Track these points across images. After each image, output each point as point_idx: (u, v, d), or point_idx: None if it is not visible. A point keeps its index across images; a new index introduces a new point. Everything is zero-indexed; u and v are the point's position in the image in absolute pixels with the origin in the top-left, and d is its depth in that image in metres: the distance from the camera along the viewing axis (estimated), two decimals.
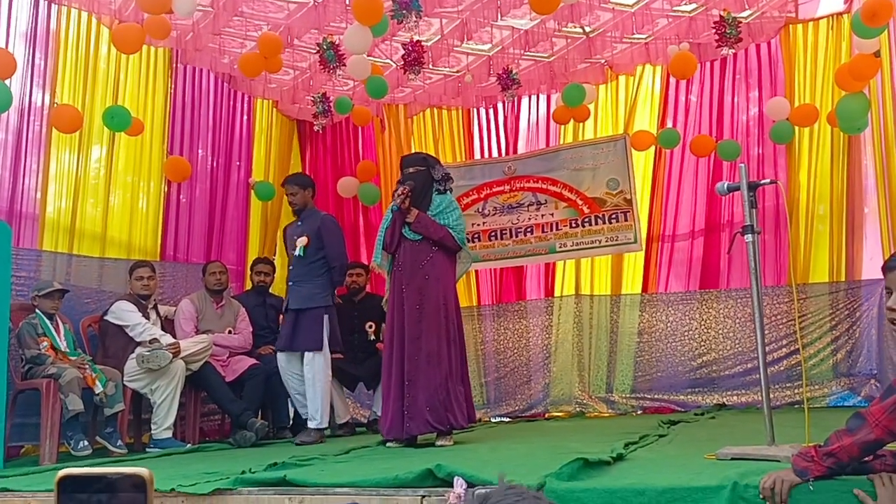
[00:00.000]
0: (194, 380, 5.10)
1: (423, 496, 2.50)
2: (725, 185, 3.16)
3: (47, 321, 4.63)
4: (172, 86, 6.20)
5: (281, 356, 5.03)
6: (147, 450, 4.84)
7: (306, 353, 4.88)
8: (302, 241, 4.94)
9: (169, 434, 4.85)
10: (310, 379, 4.87)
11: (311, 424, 4.88)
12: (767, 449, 2.73)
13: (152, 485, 0.82)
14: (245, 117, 6.95)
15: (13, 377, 4.43)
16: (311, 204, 5.15)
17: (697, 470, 2.50)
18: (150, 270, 5.22)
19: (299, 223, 5.08)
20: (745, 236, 2.98)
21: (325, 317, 4.91)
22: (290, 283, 5.02)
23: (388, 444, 4.18)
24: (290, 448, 4.48)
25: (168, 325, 5.39)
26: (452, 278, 4.39)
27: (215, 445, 4.99)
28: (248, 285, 6.41)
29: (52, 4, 5.20)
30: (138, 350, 4.85)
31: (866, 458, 2.11)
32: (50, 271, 5.08)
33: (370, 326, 6.05)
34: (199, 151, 6.49)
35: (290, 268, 5.07)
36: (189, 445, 4.92)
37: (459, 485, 2.44)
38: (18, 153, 5.04)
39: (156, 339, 4.86)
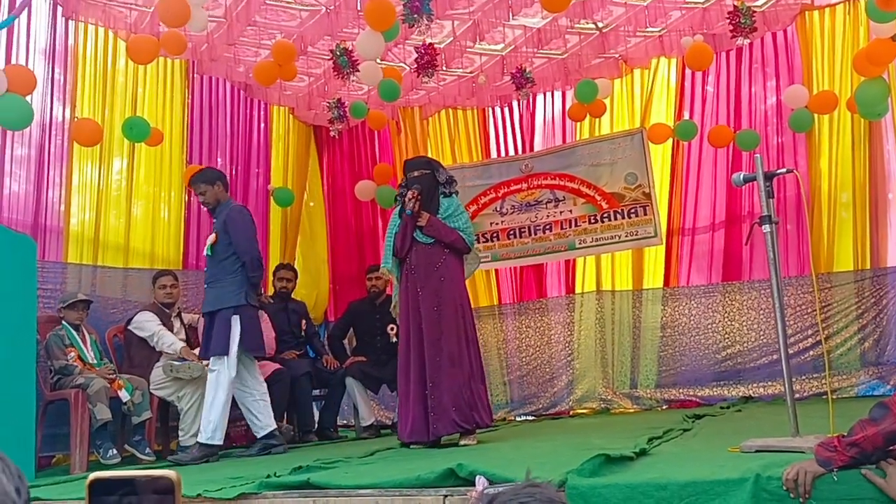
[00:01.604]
0: None
1: (446, 496, 2.51)
2: (742, 176, 3.14)
3: (74, 332, 4.71)
4: (190, 96, 6.27)
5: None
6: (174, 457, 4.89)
7: (213, 360, 4.48)
8: (210, 239, 4.62)
9: (196, 440, 4.89)
10: (211, 385, 4.46)
11: (199, 437, 4.47)
12: (791, 440, 2.71)
13: (180, 487, 0.84)
14: (262, 125, 7.01)
15: (42, 388, 4.51)
16: (224, 198, 4.76)
17: (720, 463, 2.48)
18: (173, 279, 5.28)
19: (215, 220, 4.74)
20: (763, 227, 2.95)
21: (235, 318, 4.50)
22: (206, 286, 4.71)
23: (412, 446, 4.19)
24: (316, 451, 4.51)
25: (192, 332, 5.44)
26: (463, 280, 4.42)
27: (241, 450, 5.02)
28: (270, 291, 6.46)
29: (70, 21, 5.29)
30: (167, 360, 4.90)
31: (890, 447, 2.09)
32: (75, 283, 5.17)
33: (392, 329, 6.07)
34: (218, 160, 6.56)
35: (206, 269, 4.76)
36: None
37: (482, 483, 2.45)
38: (41, 167, 5.13)
39: (169, 354, 4.88)
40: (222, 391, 4.44)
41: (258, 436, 4.65)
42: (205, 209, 5.03)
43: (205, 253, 4.68)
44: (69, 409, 4.43)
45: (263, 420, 4.64)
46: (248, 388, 4.64)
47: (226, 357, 4.45)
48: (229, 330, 4.48)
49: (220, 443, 4.49)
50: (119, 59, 5.64)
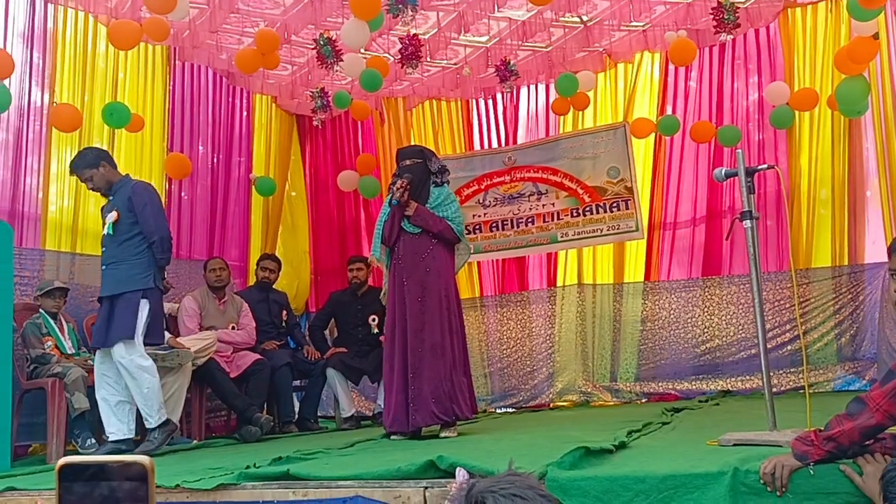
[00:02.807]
0: (199, 376, 5.11)
1: (426, 487, 2.51)
2: (723, 172, 3.15)
3: (51, 321, 4.66)
4: (171, 83, 6.20)
5: (97, 356, 4.24)
6: None
7: (118, 346, 4.10)
8: (111, 217, 4.24)
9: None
10: (128, 373, 4.09)
11: (151, 424, 4.18)
12: (769, 434, 2.73)
13: (153, 473, 0.81)
14: (245, 113, 6.95)
15: (19, 377, 4.46)
16: (116, 177, 4.37)
17: (699, 456, 2.50)
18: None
19: (111, 199, 4.35)
20: (744, 222, 2.97)
21: (143, 301, 4.16)
22: (103, 268, 4.27)
23: (392, 437, 4.19)
24: (296, 442, 4.50)
25: (171, 321, 5.40)
26: (452, 270, 4.40)
27: (221, 441, 5.02)
28: (252, 281, 6.43)
29: (49, 4, 5.20)
30: (152, 348, 4.85)
31: (867, 443, 2.12)
32: (53, 271, 5.11)
33: (373, 319, 6.07)
34: (200, 148, 6.50)
35: (103, 250, 4.32)
36: (195, 441, 4.94)
37: (462, 475, 2.45)
38: (19, 153, 5.06)
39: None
40: (145, 374, 4.12)
41: (150, 426, 4.20)
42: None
43: (105, 232, 4.27)
44: (46, 398, 4.38)
45: (114, 427, 4.14)
46: (117, 387, 4.17)
47: (131, 340, 4.10)
48: (136, 314, 4.13)
49: (166, 418, 4.21)
50: (99, 43, 5.56)
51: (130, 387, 4.13)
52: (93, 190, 4.44)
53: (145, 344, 4.19)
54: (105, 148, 4.90)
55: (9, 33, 4.96)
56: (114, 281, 4.19)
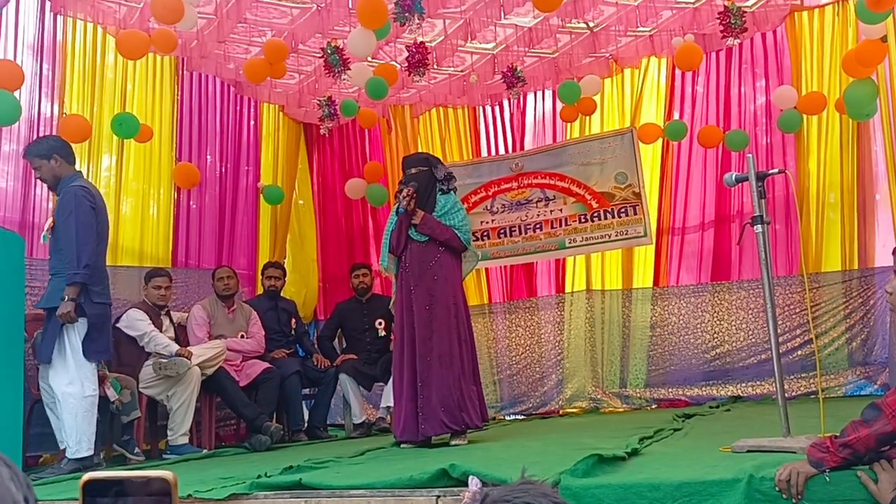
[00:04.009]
0: (209, 385, 5.11)
1: (438, 496, 2.50)
2: (734, 177, 3.14)
3: None
4: (179, 92, 6.23)
5: (42, 371, 4.13)
6: (164, 456, 4.87)
7: (46, 366, 4.00)
8: (48, 223, 4.03)
9: (185, 440, 4.87)
10: (62, 393, 3.94)
11: (68, 453, 3.97)
12: (783, 441, 2.72)
13: (177, 487, 0.82)
14: (252, 122, 6.98)
15: (30, 387, 4.46)
16: (65, 173, 4.10)
17: (713, 463, 2.49)
18: (168, 280, 5.22)
19: (58, 197, 4.14)
20: (755, 227, 2.97)
21: (83, 318, 3.99)
22: (49, 278, 4.12)
23: (403, 446, 4.18)
24: (306, 451, 4.50)
25: (181, 331, 5.41)
26: (460, 278, 4.39)
27: (231, 450, 5.01)
28: (260, 289, 6.44)
29: (59, 16, 5.24)
30: (154, 358, 4.87)
31: (883, 449, 2.10)
32: None
33: (380, 323, 6.07)
34: (208, 157, 6.52)
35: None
36: (205, 451, 4.94)
37: (474, 484, 2.44)
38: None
39: (159, 354, 4.84)
40: (72, 400, 3.96)
41: (67, 454, 3.99)
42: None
43: (42, 240, 4.05)
44: None
45: (73, 440, 3.97)
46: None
47: (62, 362, 3.96)
48: (61, 333, 3.99)
49: (91, 452, 3.98)
50: (108, 54, 5.60)
51: (61, 407, 3.96)
52: (40, 180, 4.24)
53: (90, 361, 4.01)
54: (60, 140, 4.34)
55: (19, 45, 4.99)
56: (54, 292, 3.99)
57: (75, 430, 3.95)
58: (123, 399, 4.56)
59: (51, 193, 4.65)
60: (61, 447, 4.14)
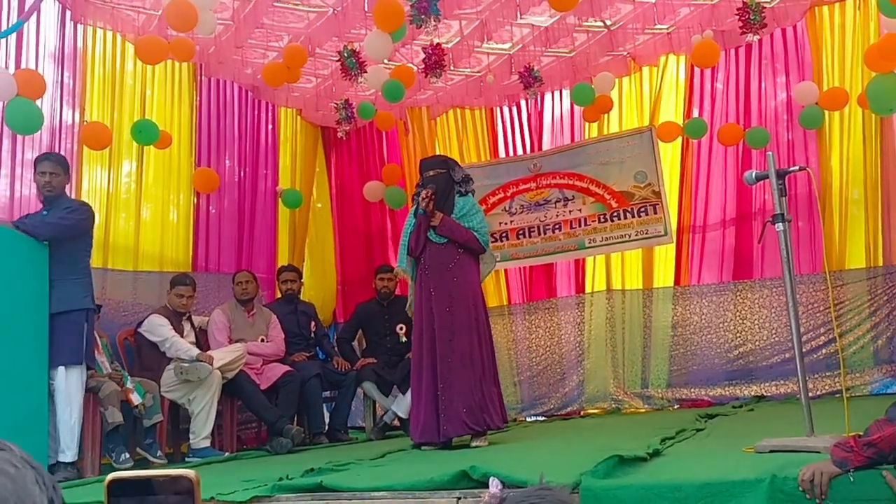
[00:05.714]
0: (229, 389, 5.14)
1: (459, 498, 2.50)
2: (753, 175, 3.11)
3: None
4: (198, 98, 6.27)
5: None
6: (186, 459, 4.90)
7: (60, 369, 4.09)
8: None
9: (207, 443, 4.90)
10: (65, 398, 4.07)
11: (62, 458, 4.07)
12: (807, 440, 2.68)
13: (199, 486, 0.83)
14: (270, 126, 7.01)
15: None
16: (64, 191, 4.41)
17: (735, 463, 2.47)
18: (192, 290, 5.24)
19: (46, 211, 4.27)
20: (776, 225, 2.93)
21: (85, 324, 4.19)
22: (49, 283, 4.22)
23: (423, 448, 4.18)
24: (327, 453, 4.51)
25: (202, 335, 5.45)
26: (478, 279, 4.40)
27: (253, 453, 5.04)
28: (278, 294, 6.47)
29: (79, 25, 5.30)
30: (176, 362, 4.91)
31: None
32: None
33: (401, 328, 6.07)
34: (227, 162, 6.57)
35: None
36: (227, 454, 4.97)
37: (495, 485, 2.43)
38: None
39: (180, 359, 4.87)
40: (76, 402, 4.11)
41: (60, 459, 4.09)
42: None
43: None
44: None
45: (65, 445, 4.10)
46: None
47: (79, 366, 4.13)
48: (82, 336, 4.17)
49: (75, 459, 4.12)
50: (127, 62, 5.65)
51: (62, 412, 4.08)
52: (45, 185, 4.28)
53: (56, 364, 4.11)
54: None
55: (40, 54, 5.06)
56: (56, 299, 4.14)
57: (77, 431, 4.14)
58: (146, 403, 4.60)
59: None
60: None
